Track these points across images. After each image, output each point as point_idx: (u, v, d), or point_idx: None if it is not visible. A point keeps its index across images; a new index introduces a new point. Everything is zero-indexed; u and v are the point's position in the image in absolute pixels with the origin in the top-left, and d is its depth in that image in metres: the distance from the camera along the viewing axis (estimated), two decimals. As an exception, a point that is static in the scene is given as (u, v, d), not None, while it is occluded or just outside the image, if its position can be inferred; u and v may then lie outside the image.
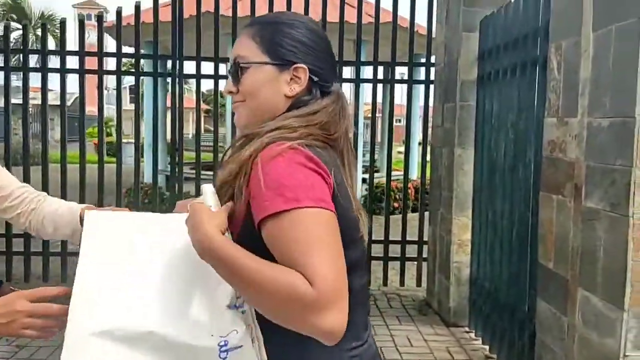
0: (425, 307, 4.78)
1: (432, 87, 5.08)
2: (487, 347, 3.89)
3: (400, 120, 18.50)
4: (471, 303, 4.25)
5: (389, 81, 5.32)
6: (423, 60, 5.51)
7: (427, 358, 3.75)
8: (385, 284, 5.32)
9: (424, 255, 5.18)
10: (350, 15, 5.54)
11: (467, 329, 4.27)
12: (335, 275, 0.92)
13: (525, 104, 3.27)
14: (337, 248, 0.96)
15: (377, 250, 5.34)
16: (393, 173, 6.99)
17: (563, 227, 2.49)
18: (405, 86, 5.45)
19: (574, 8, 2.40)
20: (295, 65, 1.11)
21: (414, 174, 10.06)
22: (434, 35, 5.05)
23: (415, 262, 5.34)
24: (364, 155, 11.06)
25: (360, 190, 7.62)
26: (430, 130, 5.18)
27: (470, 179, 4.25)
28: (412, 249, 5.34)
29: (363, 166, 10.87)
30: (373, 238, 5.28)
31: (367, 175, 5.89)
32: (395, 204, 8.71)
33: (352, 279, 0.99)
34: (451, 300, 4.35)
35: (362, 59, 5.32)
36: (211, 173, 4.96)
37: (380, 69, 5.31)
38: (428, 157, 5.22)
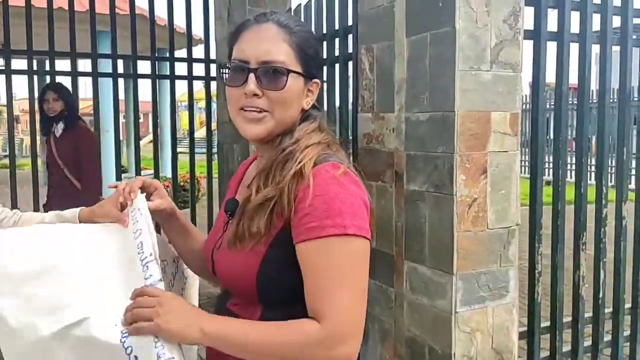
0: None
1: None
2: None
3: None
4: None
5: (169, 77, 5.16)
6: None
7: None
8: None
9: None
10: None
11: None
12: (356, 312, 1.00)
13: (332, 100, 3.55)
14: (363, 281, 1.02)
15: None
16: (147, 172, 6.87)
17: (385, 210, 2.81)
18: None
19: (385, 16, 2.71)
20: (314, 80, 1.13)
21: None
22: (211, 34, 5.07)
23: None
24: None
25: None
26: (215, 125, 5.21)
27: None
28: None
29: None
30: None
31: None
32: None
33: None
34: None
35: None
36: None
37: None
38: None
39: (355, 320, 1.00)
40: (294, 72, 1.07)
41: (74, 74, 4.72)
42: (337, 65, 3.48)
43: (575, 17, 2.84)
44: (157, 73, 5.10)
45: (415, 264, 2.62)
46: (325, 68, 3.59)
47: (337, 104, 3.55)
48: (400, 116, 2.68)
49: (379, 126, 2.84)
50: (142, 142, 9.76)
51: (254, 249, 1.05)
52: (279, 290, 1.07)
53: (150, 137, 18.54)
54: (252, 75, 1.06)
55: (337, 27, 3.43)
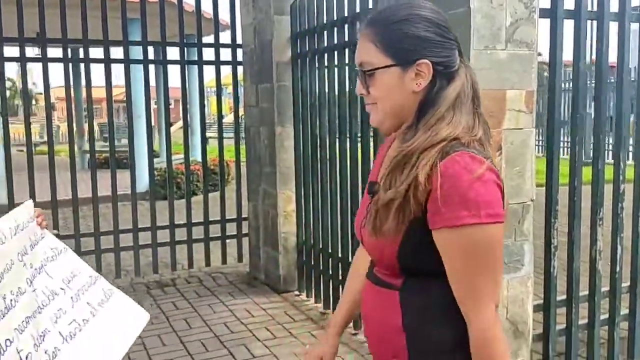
0: (253, 280, 4.98)
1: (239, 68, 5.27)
2: (320, 305, 4.27)
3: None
4: (300, 268, 4.59)
5: (197, 62, 5.30)
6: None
7: (271, 324, 3.97)
8: (207, 264, 5.37)
9: (244, 232, 5.36)
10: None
11: (297, 292, 4.60)
12: (495, 298, 1.12)
13: (346, 82, 3.65)
14: (499, 263, 1.13)
15: (196, 232, 5.36)
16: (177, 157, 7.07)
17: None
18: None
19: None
20: (418, 62, 1.13)
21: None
22: (238, 20, 5.19)
23: (235, 240, 5.50)
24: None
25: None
26: (242, 110, 5.34)
27: (291, 155, 4.54)
28: (232, 227, 5.48)
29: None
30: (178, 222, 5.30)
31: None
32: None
33: None
34: (281, 268, 4.63)
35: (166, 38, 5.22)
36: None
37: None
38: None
39: (497, 302, 1.13)
40: (382, 67, 1.15)
41: (107, 61, 4.90)
42: (349, 50, 3.58)
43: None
44: (185, 59, 5.24)
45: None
46: (343, 53, 3.70)
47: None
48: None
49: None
50: (172, 128, 10.02)
51: (392, 239, 1.15)
52: (418, 265, 1.17)
53: (180, 123, 18.88)
54: (359, 79, 1.21)
55: (356, 10, 3.51)
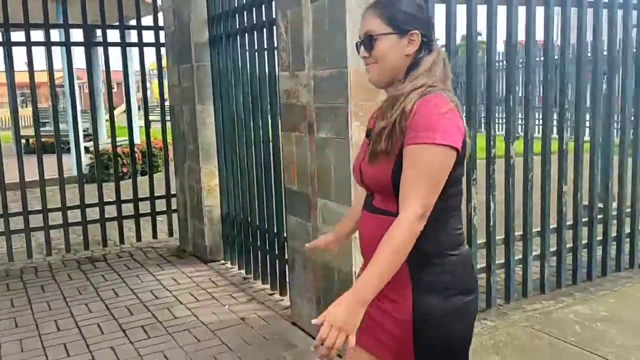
0: (182, 253, 5.25)
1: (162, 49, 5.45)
2: (242, 271, 4.59)
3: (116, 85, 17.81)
4: (225, 238, 4.88)
5: (120, 44, 5.44)
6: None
7: (195, 290, 4.26)
8: (139, 239, 5.59)
9: (174, 207, 5.60)
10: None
11: (223, 261, 4.90)
12: (430, 199, 1.42)
13: (260, 62, 3.94)
14: (440, 176, 1.43)
15: (126, 209, 5.57)
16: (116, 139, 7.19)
17: (302, 157, 3.23)
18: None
19: (295, -16, 3.08)
20: (411, 32, 1.53)
21: (137, 137, 10.19)
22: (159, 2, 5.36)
23: (165, 216, 5.74)
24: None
25: (84, 159, 7.51)
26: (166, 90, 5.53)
27: (212, 132, 4.80)
28: (161, 203, 5.71)
29: (85, 135, 10.53)
30: (122, 198, 5.50)
31: (90, 144, 5.98)
32: (124, 169, 8.80)
33: (456, 188, 1.52)
34: (206, 240, 4.91)
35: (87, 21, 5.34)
36: None
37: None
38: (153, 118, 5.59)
39: (427, 206, 1.41)
40: (384, 34, 1.53)
41: (28, 44, 4.99)
42: (264, 30, 3.86)
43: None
44: (107, 41, 5.38)
45: (325, 199, 3.06)
46: (255, 33, 3.97)
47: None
48: (309, 74, 3.08)
49: (295, 83, 3.23)
50: (116, 112, 9.98)
51: (386, 163, 1.48)
52: None
53: (123, 106, 18.65)
54: (362, 45, 1.58)
55: (262, -6, 3.78)
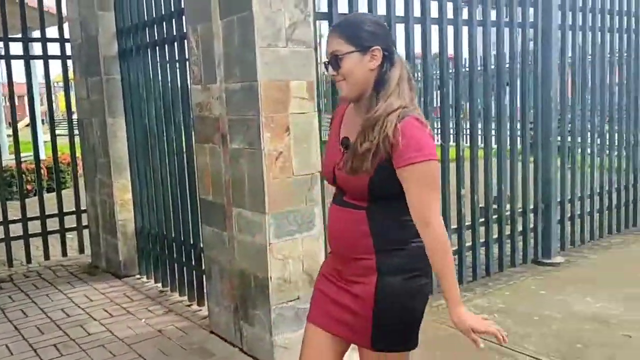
0: (94, 269, 5.13)
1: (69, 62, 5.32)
2: (159, 284, 4.57)
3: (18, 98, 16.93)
4: (139, 252, 4.83)
5: (24, 57, 5.26)
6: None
7: (109, 305, 4.20)
8: (47, 258, 5.40)
9: (84, 223, 5.45)
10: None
11: (138, 276, 4.85)
12: (439, 204, 1.69)
13: (172, 75, 3.98)
14: (439, 186, 1.69)
15: (33, 227, 5.36)
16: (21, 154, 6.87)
17: (216, 167, 3.31)
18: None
19: (202, 1, 3.17)
20: (372, 48, 1.67)
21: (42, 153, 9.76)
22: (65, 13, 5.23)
23: (76, 232, 5.57)
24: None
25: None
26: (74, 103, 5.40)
27: (124, 145, 4.76)
28: (70, 220, 5.54)
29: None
30: (28, 216, 5.29)
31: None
32: (29, 186, 8.42)
33: None
34: (120, 254, 4.84)
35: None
36: None
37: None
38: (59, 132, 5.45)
39: (439, 211, 1.68)
40: (348, 52, 1.68)
41: None
42: (175, 44, 3.91)
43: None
44: (9, 54, 5.18)
45: (240, 208, 3.16)
46: (166, 47, 4.01)
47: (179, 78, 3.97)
48: (221, 87, 3.17)
49: (207, 96, 3.31)
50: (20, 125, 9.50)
51: (365, 175, 1.65)
52: (382, 192, 1.68)
53: (26, 120, 17.72)
54: (330, 65, 1.73)
55: (172, 9, 3.84)
